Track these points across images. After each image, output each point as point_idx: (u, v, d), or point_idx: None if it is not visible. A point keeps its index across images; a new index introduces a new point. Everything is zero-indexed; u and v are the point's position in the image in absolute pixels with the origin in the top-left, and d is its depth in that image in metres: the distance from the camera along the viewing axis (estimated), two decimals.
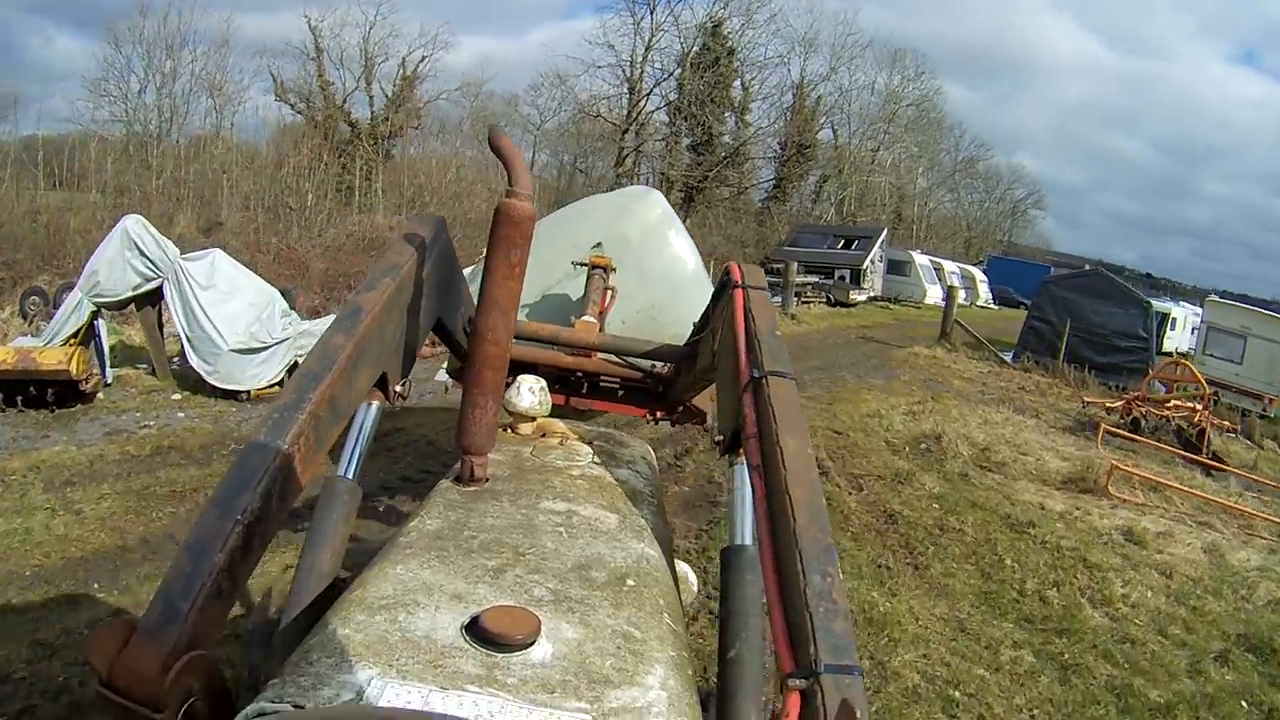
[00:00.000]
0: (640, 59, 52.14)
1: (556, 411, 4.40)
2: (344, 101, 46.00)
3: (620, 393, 5.47)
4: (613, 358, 5.20)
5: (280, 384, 13.20)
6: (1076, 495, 13.12)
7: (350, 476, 2.94)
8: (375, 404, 3.14)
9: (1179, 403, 19.32)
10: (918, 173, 74.17)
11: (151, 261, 12.80)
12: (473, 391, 3.07)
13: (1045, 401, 22.31)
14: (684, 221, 6.59)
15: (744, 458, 2.89)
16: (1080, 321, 28.59)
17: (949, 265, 58.26)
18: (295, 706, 1.66)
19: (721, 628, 2.69)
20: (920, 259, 55.01)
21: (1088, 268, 31.28)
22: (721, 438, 3.25)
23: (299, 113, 45.03)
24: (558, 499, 3.06)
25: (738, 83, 55.91)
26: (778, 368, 2.81)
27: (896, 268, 53.31)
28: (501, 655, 1.93)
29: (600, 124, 52.02)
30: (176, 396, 13.14)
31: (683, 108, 51.91)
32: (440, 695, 1.76)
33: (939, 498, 11.80)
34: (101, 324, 13.04)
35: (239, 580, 2.12)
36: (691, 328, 4.45)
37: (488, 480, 3.14)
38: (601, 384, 5.40)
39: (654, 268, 6.17)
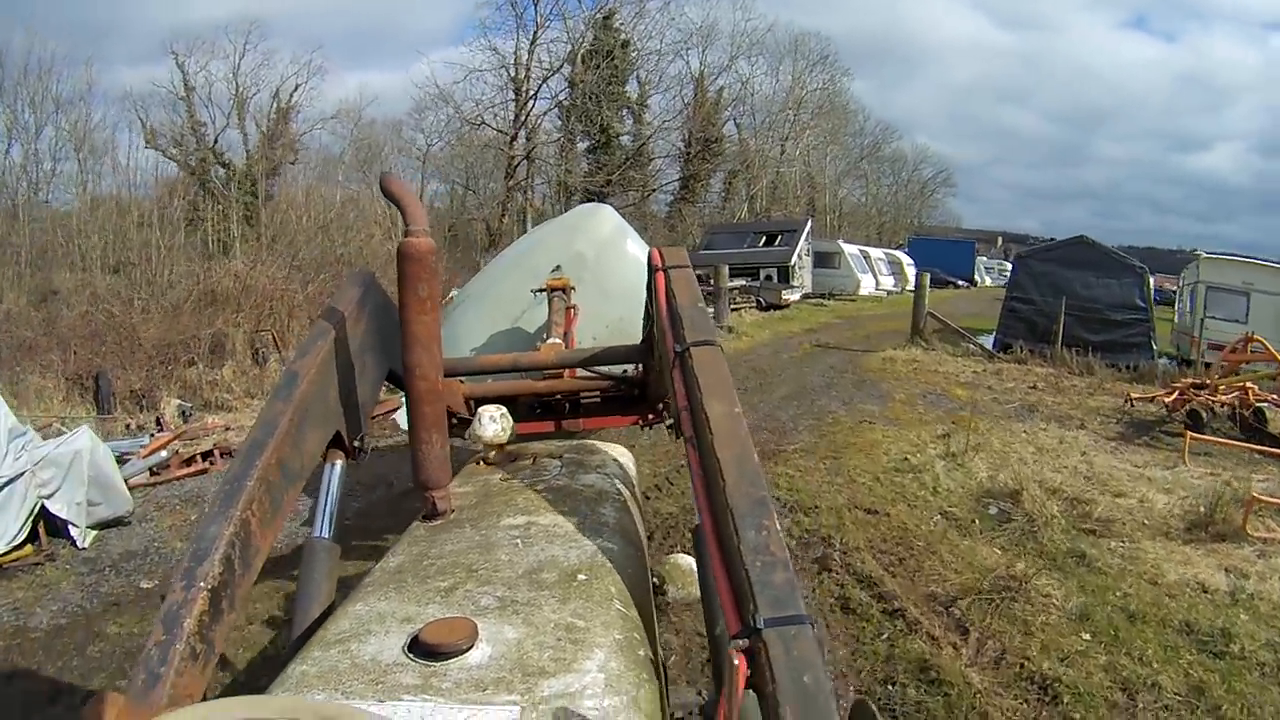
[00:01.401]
0: (526, 56, 48.73)
1: (548, 437, 4.84)
2: (215, 141, 44.20)
3: (602, 405, 5.31)
4: (585, 372, 5.11)
5: (25, 543, 9.11)
6: (1210, 547, 9.77)
7: (326, 535, 3.09)
8: (339, 463, 3.28)
9: (1237, 384, 16.68)
10: (827, 161, 70.80)
11: None
12: (416, 429, 3.19)
13: (1071, 401, 18.87)
14: None
15: None
16: (1068, 297, 25.14)
17: (874, 252, 55.63)
18: None
19: (704, 606, 2.54)
20: (848, 248, 52.49)
21: (1071, 237, 26.77)
22: (672, 421, 3.59)
23: (171, 159, 42.81)
24: (518, 514, 3.15)
25: (633, 79, 53.18)
26: (700, 337, 2.90)
27: (824, 260, 49.54)
28: (439, 664, 2.02)
29: (488, 134, 48.25)
30: None
31: (575, 107, 48.38)
32: (377, 707, 1.84)
33: (1081, 616, 7.77)
34: None
35: (214, 642, 2.21)
36: None
37: (453, 512, 3.23)
38: (583, 401, 5.27)
39: (615, 281, 6.35)
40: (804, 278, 45.31)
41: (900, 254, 62.55)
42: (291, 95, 45.85)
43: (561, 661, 2.03)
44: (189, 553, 2.31)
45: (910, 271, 57.61)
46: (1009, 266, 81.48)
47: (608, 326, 6.20)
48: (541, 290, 6.11)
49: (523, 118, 47.40)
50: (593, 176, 47.72)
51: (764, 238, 45.25)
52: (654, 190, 53.22)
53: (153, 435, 13.32)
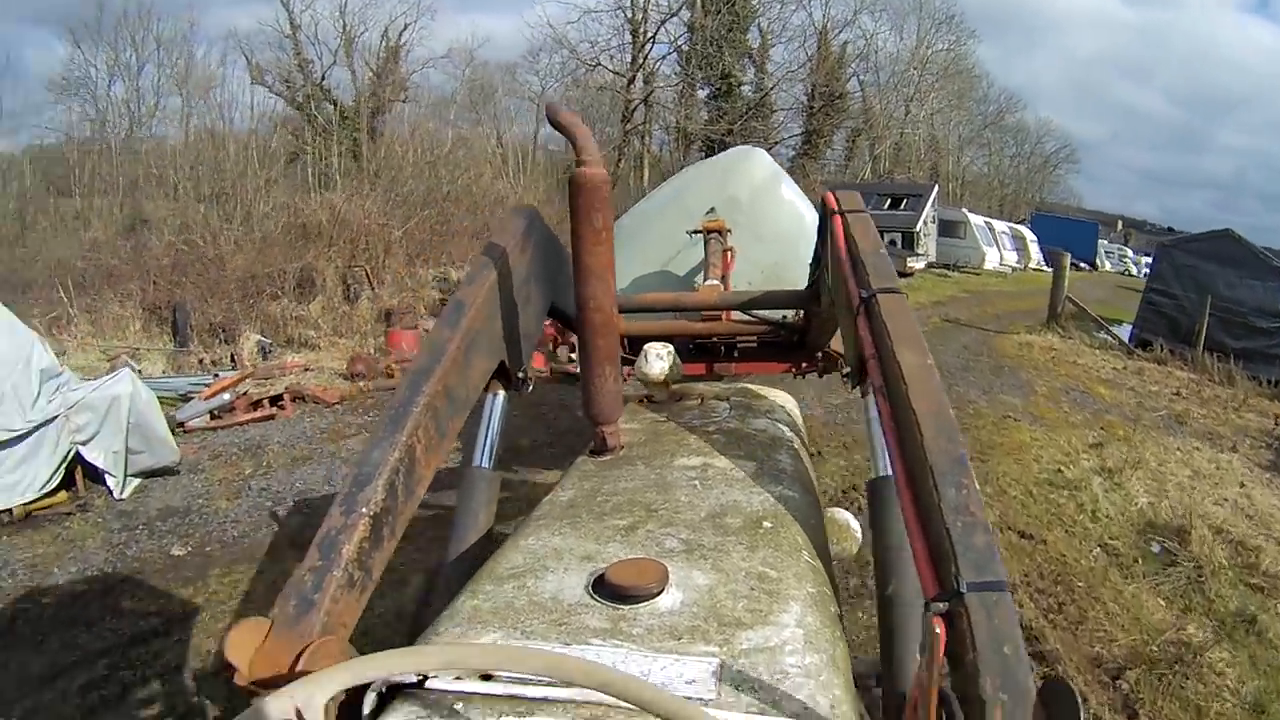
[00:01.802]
0: None
1: (700, 380, 4.77)
2: (323, 78, 43.03)
3: (758, 350, 5.29)
4: (743, 316, 5.03)
5: (58, 489, 8.54)
6: None
7: (486, 465, 3.04)
8: (501, 394, 3.23)
9: None
10: (950, 126, 68.11)
11: None
12: (589, 362, 3.15)
13: (1216, 414, 16.55)
14: None
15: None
16: (1211, 296, 22.62)
17: (998, 225, 53.12)
18: (420, 676, 1.61)
19: (875, 564, 2.57)
20: (974, 219, 49.58)
21: (1216, 230, 24.46)
22: (849, 369, 3.21)
23: (278, 95, 42.04)
24: (692, 455, 3.10)
25: (754, 28, 50.07)
26: (886, 284, 2.82)
27: (949, 229, 46.91)
28: (628, 607, 1.91)
29: (604, 78, 46.30)
30: None
31: (695, 53, 45.91)
32: (562, 650, 1.74)
33: (1255, 708, 6.47)
34: None
35: (373, 570, 2.15)
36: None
37: (622, 449, 3.22)
38: (739, 345, 5.23)
39: (769, 226, 6.21)
40: (929, 246, 43.07)
41: (1025, 229, 59.43)
42: (401, 34, 44.73)
43: (757, 613, 1.89)
44: (350, 477, 2.23)
45: (1033, 248, 55.25)
46: (1129, 252, 78.73)
47: (762, 272, 6.02)
48: (697, 232, 5.93)
49: (640, 60, 45.38)
50: (713, 125, 45.52)
51: (888, 200, 43.14)
52: (776, 143, 49.58)
53: (216, 376, 12.42)
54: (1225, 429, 15.13)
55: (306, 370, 13.66)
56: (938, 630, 1.59)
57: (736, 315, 5.08)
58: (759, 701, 1.63)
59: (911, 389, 2.27)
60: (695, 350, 5.17)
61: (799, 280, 5.09)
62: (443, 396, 2.59)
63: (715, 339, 5.16)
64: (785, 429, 3.59)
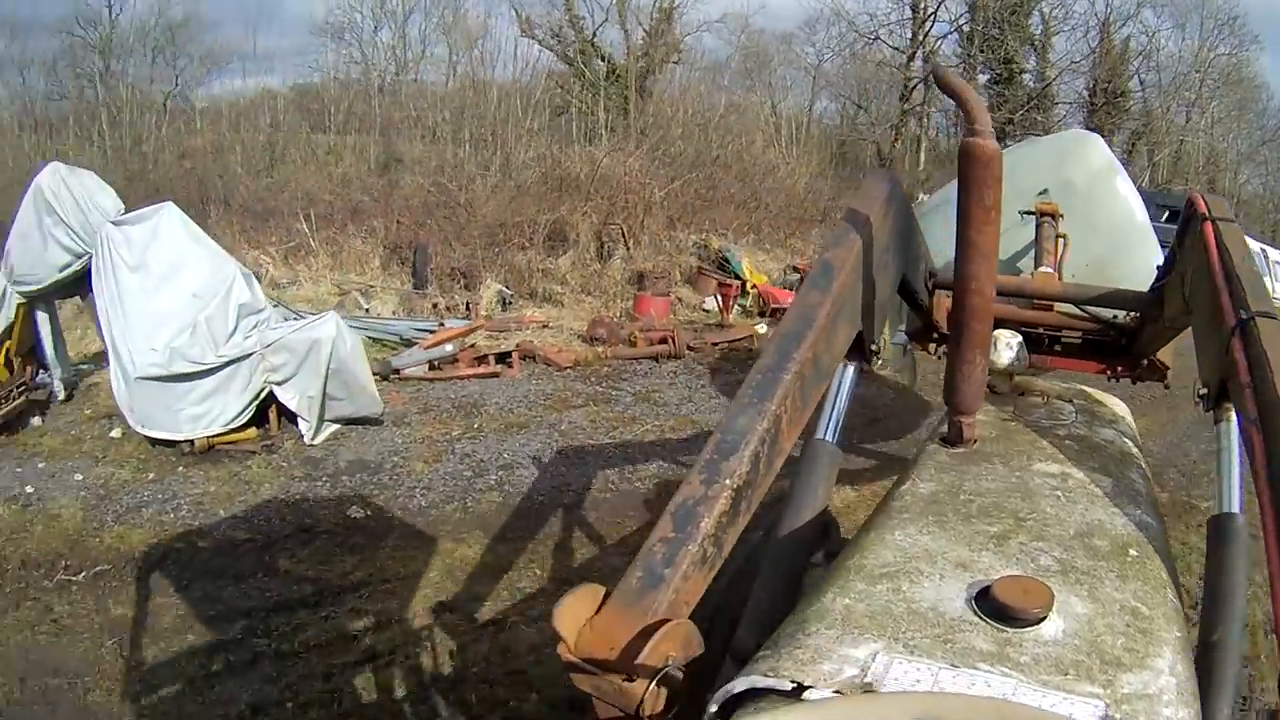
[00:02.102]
0: None
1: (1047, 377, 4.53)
2: (594, 35, 41.58)
3: (1078, 348, 5.00)
4: (1072, 309, 4.77)
5: (247, 426, 8.64)
6: None
7: (831, 439, 2.86)
8: (853, 365, 3.09)
9: None
10: (1230, 139, 63.40)
11: (74, 230, 9.05)
12: (960, 346, 2.92)
13: None
14: None
15: (1233, 412, 2.69)
16: None
17: (1273, 253, 48.26)
18: (795, 683, 1.51)
19: (1205, 606, 2.41)
20: (1251, 243, 44.58)
21: None
22: (1205, 391, 2.87)
23: (548, 49, 40.89)
24: (1049, 461, 2.92)
25: (1036, 13, 47.10)
26: (1264, 307, 2.54)
27: None
28: (1013, 630, 1.75)
29: (882, 52, 44.03)
30: (115, 434, 9.26)
31: (977, 34, 43.62)
32: (951, 674, 1.61)
33: None
34: (43, 318, 9.94)
35: (724, 547, 2.01)
36: (1137, 284, 4.39)
37: (976, 441, 3.05)
38: (1062, 339, 4.94)
39: (1101, 217, 5.73)
40: None
41: None
42: None
43: (1134, 654, 1.73)
44: (712, 444, 2.03)
45: None
46: None
47: (1087, 265, 5.49)
48: (1030, 213, 5.54)
49: (920, 38, 43.07)
50: (994, 112, 42.84)
51: (1166, 213, 40.30)
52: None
53: (442, 324, 11.63)
54: None
55: (544, 327, 12.92)
56: None
57: (1064, 307, 4.83)
58: None
59: None
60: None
61: (1123, 278, 4.92)
62: (811, 365, 2.44)
63: (1041, 329, 4.87)
64: (1130, 443, 3.36)
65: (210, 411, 8.45)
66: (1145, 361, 4.91)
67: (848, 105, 44.90)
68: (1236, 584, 2.45)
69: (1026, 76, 47.35)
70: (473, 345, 10.80)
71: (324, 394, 8.17)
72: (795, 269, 15.67)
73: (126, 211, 9.30)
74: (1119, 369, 5.00)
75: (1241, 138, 65.02)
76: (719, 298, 14.85)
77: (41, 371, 10.12)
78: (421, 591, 6.08)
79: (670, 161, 21.54)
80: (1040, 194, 5.69)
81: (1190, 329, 3.41)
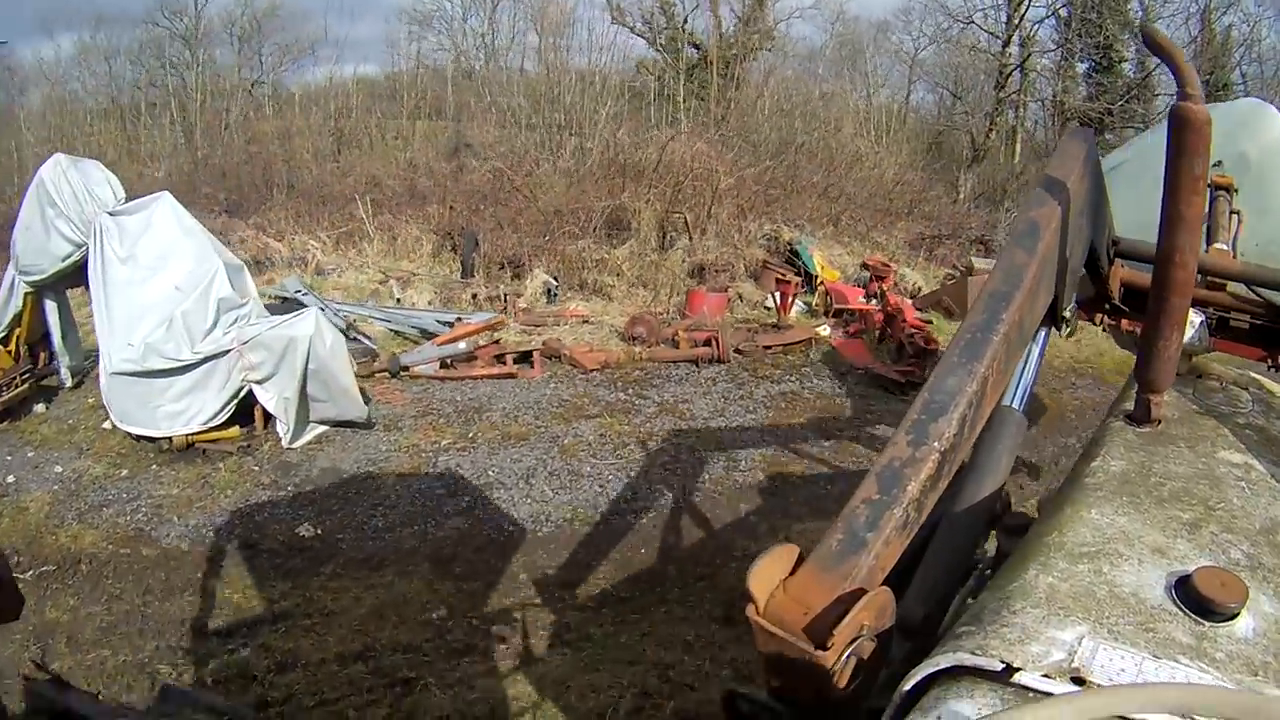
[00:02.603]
0: None
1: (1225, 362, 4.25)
2: (685, 21, 39.79)
3: (1246, 332, 4.57)
4: (1244, 290, 4.35)
5: (230, 424, 8.45)
6: None
7: (1018, 405, 2.90)
8: (1044, 330, 3.10)
9: None
10: None
11: (73, 221, 9.14)
12: (1158, 321, 2.72)
13: None
14: None
15: None
16: None
17: None
18: (1004, 663, 1.47)
19: None
20: None
21: None
22: None
23: (639, 35, 39.46)
24: (1231, 449, 2.75)
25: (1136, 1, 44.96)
26: None
27: None
28: (1209, 624, 1.67)
29: (975, 37, 40.99)
30: (106, 425, 9.29)
31: (1075, 20, 40.90)
32: (1154, 664, 1.55)
33: None
34: (51, 306, 10.03)
35: (924, 512, 1.99)
36: None
37: (1160, 422, 2.88)
38: (1231, 322, 4.50)
39: (1276, 196, 5.37)
40: None
41: None
42: None
43: None
44: (920, 404, 2.03)
45: None
46: None
47: (1257, 245, 5.10)
48: (1206, 184, 4.23)
49: (1016, 22, 39.96)
50: (1092, 102, 40.67)
51: None
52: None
53: (459, 319, 10.86)
54: None
55: (585, 322, 12.23)
56: None
57: (1237, 287, 4.46)
58: None
59: None
60: None
61: None
62: (1017, 327, 2.37)
63: (1210, 310, 4.51)
64: None
65: (188, 409, 8.27)
66: None
67: (944, 95, 42.97)
68: None
69: (1126, 65, 46.22)
70: (496, 341, 10.13)
71: (302, 395, 7.77)
72: (866, 265, 14.50)
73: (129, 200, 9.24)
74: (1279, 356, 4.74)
75: None
76: (776, 294, 13.31)
77: (54, 359, 10.12)
78: (339, 633, 5.59)
79: (753, 148, 20.80)
80: (1214, 165, 4.95)
81: None
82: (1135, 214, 5.26)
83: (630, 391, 9.78)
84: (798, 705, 1.67)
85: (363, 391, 8.74)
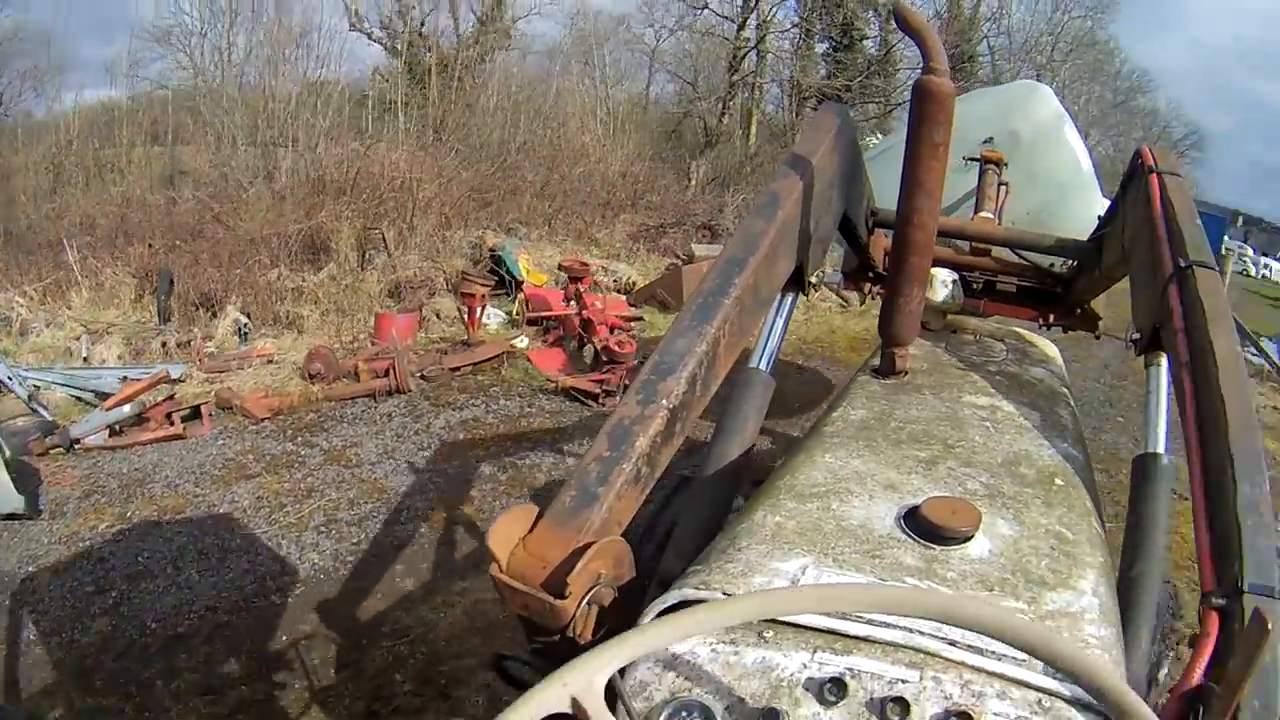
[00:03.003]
0: None
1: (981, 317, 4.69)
2: (422, 24, 39.38)
3: (1013, 294, 5.09)
4: (1010, 255, 4.96)
5: None
6: None
7: (764, 367, 3.03)
8: (791, 295, 3.26)
9: None
10: (1082, 102, 63.66)
11: None
12: (899, 279, 3.08)
13: None
14: None
15: (1163, 358, 2.94)
16: None
17: None
18: (725, 595, 1.64)
19: (1126, 541, 2.65)
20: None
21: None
22: (1138, 336, 3.12)
23: (377, 42, 39.26)
24: (979, 394, 3.10)
25: None
26: (1202, 258, 2.75)
27: None
28: (940, 548, 1.89)
29: (710, 21, 41.33)
30: None
31: (814, 0, 41.54)
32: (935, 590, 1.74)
33: None
34: None
35: (658, 467, 2.14)
36: (1077, 233, 4.50)
37: (907, 373, 3.23)
38: (998, 285, 5.05)
39: (1045, 167, 5.90)
40: None
41: None
42: None
43: (1058, 574, 1.87)
44: (650, 365, 2.23)
45: None
46: (1250, 251, 74.13)
47: (1028, 213, 5.67)
48: (974, 159, 5.61)
49: (752, 3, 40.06)
50: (830, 80, 41.27)
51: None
52: (898, 105, 42.98)
53: (125, 378, 9.97)
54: None
55: (269, 362, 11.45)
56: (1210, 623, 1.63)
57: (1002, 254, 4.98)
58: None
59: (1223, 373, 2.20)
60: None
61: (1062, 228, 5.00)
62: (751, 291, 2.58)
63: (977, 273, 5.00)
64: (1059, 382, 3.52)
65: None
66: (1079, 311, 5.02)
67: (683, 85, 43.14)
68: (1159, 520, 2.62)
69: (867, 43, 45.73)
70: (171, 398, 9.36)
71: None
72: (562, 267, 13.54)
73: None
74: (1052, 317, 5.10)
75: (1093, 102, 65.81)
76: (464, 308, 12.68)
77: None
78: None
79: (471, 152, 20.59)
80: (985, 142, 5.80)
81: (1126, 280, 3.52)
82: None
83: (299, 440, 9.12)
84: (557, 659, 1.58)
85: (35, 473, 7.98)
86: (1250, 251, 73.62)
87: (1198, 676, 1.56)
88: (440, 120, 25.11)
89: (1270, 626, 1.39)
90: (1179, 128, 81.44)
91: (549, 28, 42.85)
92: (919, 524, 1.91)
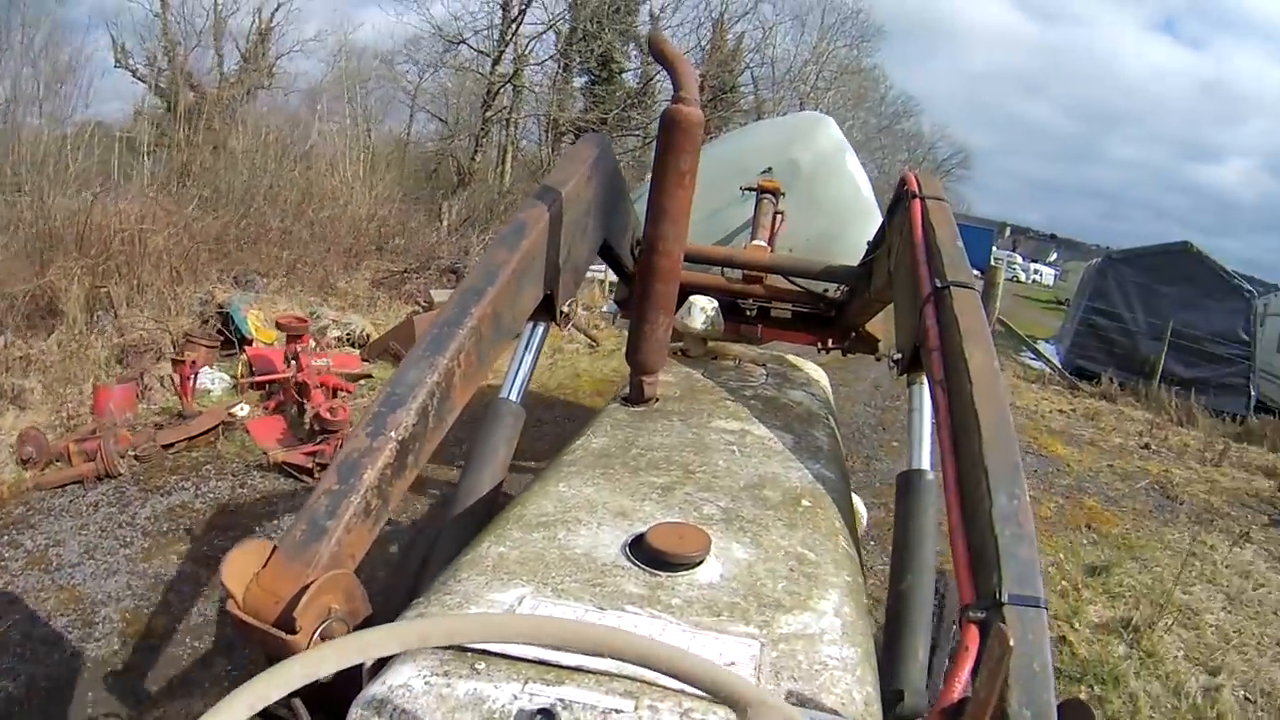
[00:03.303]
0: None
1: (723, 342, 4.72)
2: (185, 61, 38.31)
3: (789, 320, 5.40)
4: (783, 282, 5.19)
5: None
6: None
7: (515, 398, 3.12)
8: (542, 325, 3.34)
9: None
10: (847, 128, 65.02)
11: None
12: (643, 306, 3.16)
13: (1195, 472, 13.66)
14: None
15: (924, 376, 2.93)
16: (1158, 317, 20.55)
17: None
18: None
19: (895, 556, 2.69)
20: None
21: (1172, 243, 21.93)
22: (900, 356, 3.22)
23: (141, 80, 37.86)
24: (730, 419, 3.18)
25: (644, 12, 45.35)
26: (960, 278, 2.80)
27: None
28: (666, 575, 1.92)
29: (465, 57, 40.70)
30: None
31: (575, 33, 41.35)
32: (597, 615, 1.74)
33: None
34: None
35: (390, 499, 2.15)
36: (858, 259, 4.61)
37: (658, 400, 3.34)
38: (772, 312, 5.36)
39: (826, 195, 6.26)
40: None
41: None
42: (274, 14, 40.14)
43: (796, 596, 1.90)
44: (381, 397, 2.23)
45: None
46: (1018, 259, 78.23)
47: (808, 240, 5.99)
48: (751, 189, 5.88)
49: (508, 37, 39.35)
50: (587, 113, 41.21)
51: None
52: (655, 138, 46.48)
53: None
54: (1217, 498, 12.50)
55: None
56: (970, 636, 1.66)
57: (777, 280, 5.08)
58: (797, 690, 1.59)
59: (977, 388, 2.26)
60: (727, 310, 4.88)
61: (841, 255, 5.17)
62: (490, 321, 2.57)
63: (751, 301, 5.13)
64: (820, 404, 3.65)
65: None
66: (855, 334, 5.21)
67: (442, 122, 42.66)
68: (925, 535, 2.66)
69: (627, 75, 46.18)
70: None
71: None
72: (279, 325, 12.80)
73: None
74: (829, 340, 5.30)
75: (858, 127, 67.63)
76: (175, 376, 11.20)
77: None
78: None
79: (214, 198, 19.58)
80: (764, 172, 6.01)
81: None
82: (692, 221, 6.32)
83: (4, 541, 7.94)
84: (304, 698, 1.67)
85: None
86: (1020, 259, 77.77)
87: (959, 690, 1.60)
88: (185, 165, 24.18)
89: (1012, 640, 1.48)
90: (945, 149, 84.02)
91: (311, 66, 41.80)
92: (644, 551, 1.94)
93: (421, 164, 37.88)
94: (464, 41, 39.21)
